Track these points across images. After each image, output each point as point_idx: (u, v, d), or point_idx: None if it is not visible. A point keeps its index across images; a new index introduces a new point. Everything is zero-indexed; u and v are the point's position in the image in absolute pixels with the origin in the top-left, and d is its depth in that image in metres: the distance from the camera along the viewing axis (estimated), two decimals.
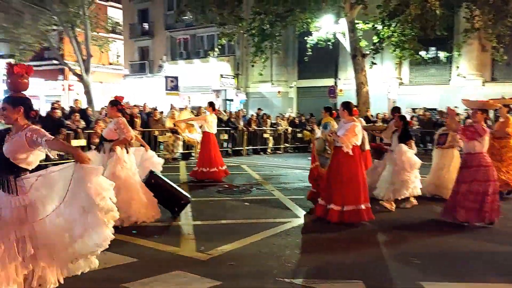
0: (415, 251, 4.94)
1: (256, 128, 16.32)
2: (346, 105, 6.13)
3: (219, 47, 19.14)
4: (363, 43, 17.72)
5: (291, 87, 26.68)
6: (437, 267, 4.48)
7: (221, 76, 26.69)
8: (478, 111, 5.90)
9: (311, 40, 18.68)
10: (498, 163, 7.59)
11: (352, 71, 18.44)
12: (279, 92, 26.11)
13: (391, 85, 20.64)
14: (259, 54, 18.05)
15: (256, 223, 6.17)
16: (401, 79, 22.86)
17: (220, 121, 15.67)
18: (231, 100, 28.30)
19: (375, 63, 17.63)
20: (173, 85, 19.33)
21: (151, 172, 6.27)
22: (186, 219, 6.36)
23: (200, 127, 9.94)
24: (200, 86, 28.51)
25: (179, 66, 29.68)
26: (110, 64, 34.47)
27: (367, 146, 8.09)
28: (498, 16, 14.72)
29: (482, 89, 20.37)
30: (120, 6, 33.77)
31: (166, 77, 19.98)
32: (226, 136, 15.39)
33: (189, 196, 6.52)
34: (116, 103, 6.20)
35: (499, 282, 4.13)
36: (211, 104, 9.85)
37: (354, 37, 17.16)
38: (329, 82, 20.80)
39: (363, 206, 5.90)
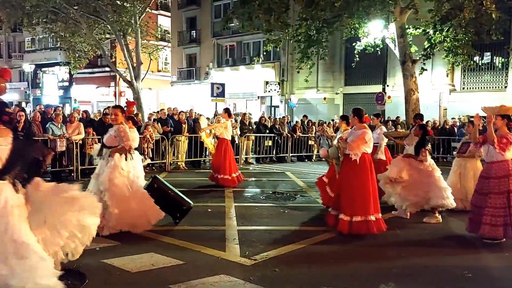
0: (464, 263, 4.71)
1: (301, 134, 16.25)
2: (357, 112, 5.94)
3: (265, 53, 19.27)
4: (413, 49, 17.22)
5: (337, 93, 26.36)
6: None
7: (266, 82, 26.83)
8: (499, 117, 5.58)
9: (358, 46, 18.37)
10: None
11: (401, 78, 17.93)
12: (324, 98, 25.88)
13: (442, 92, 19.89)
14: (305, 60, 17.98)
15: (300, 230, 6.16)
16: (453, 85, 22.00)
17: (264, 128, 15.80)
18: (277, 106, 28.38)
19: (425, 69, 17.07)
20: (218, 92, 19.61)
21: (154, 178, 6.26)
22: (231, 224, 6.44)
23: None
24: (245, 93, 28.82)
25: (225, 72, 30.17)
26: (159, 71, 35.61)
27: (381, 155, 7.85)
28: None
29: None
30: (169, 14, 34.90)
31: (212, 84, 20.29)
32: (270, 143, 15.44)
33: (191, 202, 6.40)
34: (119, 108, 6.14)
35: None
36: (227, 110, 9.92)
37: (403, 42, 16.71)
38: (376, 88, 20.37)
39: (372, 218, 5.70)
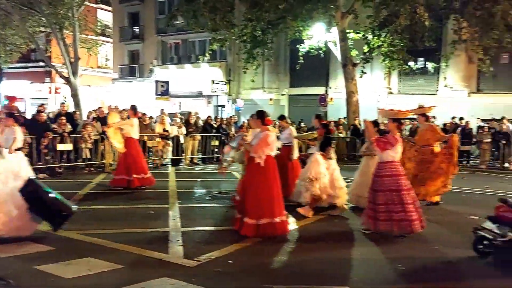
0: (397, 256, 4.98)
1: (248, 134, 16.31)
2: (259, 114, 5.89)
3: (210, 52, 19.18)
4: (353, 53, 17.91)
5: (282, 94, 26.81)
6: (419, 273, 4.53)
7: (213, 82, 26.70)
8: (390, 120, 5.92)
9: (302, 48, 18.81)
10: (421, 173, 7.70)
11: (343, 80, 18.59)
12: (271, 99, 26.21)
13: (380, 94, 20.87)
14: (251, 61, 18.12)
15: None
16: (390, 88, 23.15)
17: (210, 127, 15.68)
18: (223, 106, 28.32)
19: (365, 73, 17.82)
20: (163, 90, 19.20)
21: (30, 180, 5.63)
22: (175, 225, 6.34)
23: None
24: (191, 92, 28.47)
25: (170, 70, 29.64)
26: (99, 67, 34.27)
27: (295, 156, 8.01)
28: (485, 29, 15.00)
29: (468, 100, 20.74)
30: (110, 8, 33.66)
31: (156, 82, 19.85)
32: (217, 143, 15.37)
33: (73, 207, 5.79)
34: None
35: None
36: (133, 108, 9.50)
37: (345, 46, 17.34)
38: (320, 90, 20.95)
39: (277, 220, 5.64)
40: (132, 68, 32.47)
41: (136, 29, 32.19)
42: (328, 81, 20.21)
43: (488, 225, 4.98)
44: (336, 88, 22.97)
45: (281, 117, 9.15)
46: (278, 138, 7.32)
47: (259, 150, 5.66)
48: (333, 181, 6.99)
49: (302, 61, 18.61)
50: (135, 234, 5.83)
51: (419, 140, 8.03)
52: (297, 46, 19.08)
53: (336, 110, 21.72)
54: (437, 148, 8.04)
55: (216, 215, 7.13)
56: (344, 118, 18.93)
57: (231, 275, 4.46)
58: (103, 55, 33.98)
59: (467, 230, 5.48)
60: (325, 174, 6.83)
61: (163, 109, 16.30)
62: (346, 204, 7.33)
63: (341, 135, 17.44)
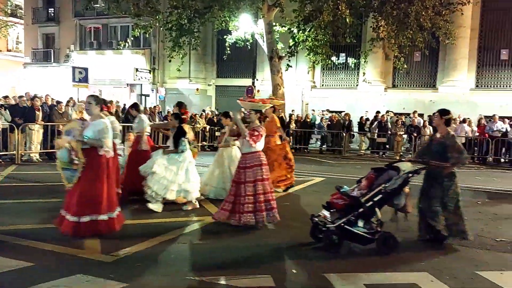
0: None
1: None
2: (94, 98, 5.36)
3: (132, 39, 18.45)
4: (279, 45, 18.24)
5: (209, 85, 26.62)
6: (340, 259, 4.79)
7: (136, 70, 25.77)
8: (252, 111, 6.05)
9: (229, 39, 18.78)
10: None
11: (269, 72, 18.89)
12: (197, 89, 25.91)
13: (305, 87, 21.55)
14: (176, 50, 17.72)
15: (165, 223, 6.07)
16: (314, 82, 24.00)
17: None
18: (147, 95, 27.47)
19: (290, 66, 18.23)
20: (81, 77, 18.07)
21: None
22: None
23: None
24: (112, 79, 27.26)
25: (89, 56, 28.10)
26: (9, 50, 31.54)
27: (144, 146, 7.68)
28: (400, 28, 16.03)
29: (385, 94, 22.19)
30: None
31: (74, 68, 18.65)
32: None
33: None
34: None
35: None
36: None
37: (271, 39, 17.59)
38: (247, 82, 21.14)
39: (104, 217, 5.20)
40: (47, 52, 30.29)
41: (52, 11, 30.00)
42: (255, 73, 20.42)
43: (323, 212, 5.20)
44: (263, 80, 23.32)
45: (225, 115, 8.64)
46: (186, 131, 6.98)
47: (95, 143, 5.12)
48: (184, 175, 6.74)
49: (229, 52, 18.60)
50: (48, 230, 5.47)
51: (265, 130, 8.11)
52: (225, 36, 19.02)
53: None
54: (277, 140, 8.73)
55: (136, 209, 6.90)
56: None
57: (152, 269, 4.37)
58: (14, 38, 31.32)
59: None
60: (161, 170, 6.54)
61: (72, 97, 15.53)
62: (202, 196, 7.33)
63: None
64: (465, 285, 4.14)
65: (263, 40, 17.90)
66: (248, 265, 4.54)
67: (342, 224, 4.96)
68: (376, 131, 17.17)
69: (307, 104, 21.57)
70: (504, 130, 15.40)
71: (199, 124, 17.39)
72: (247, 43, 18.88)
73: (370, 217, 5.07)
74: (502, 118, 16.27)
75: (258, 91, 21.31)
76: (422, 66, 22.40)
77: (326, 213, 5.16)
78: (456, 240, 5.46)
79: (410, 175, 5.07)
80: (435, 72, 22.26)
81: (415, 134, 16.26)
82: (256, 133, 5.89)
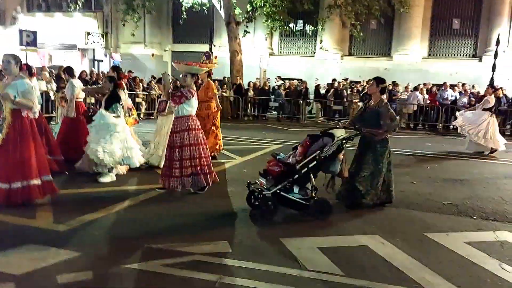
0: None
1: (127, 92, 15.46)
2: (14, 57, 4.99)
3: (83, 0, 17.40)
4: (237, 11, 17.84)
5: (165, 50, 25.80)
6: (293, 226, 4.89)
7: (88, 33, 24.48)
8: (188, 74, 5.81)
9: (186, 2, 18.17)
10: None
11: (227, 39, 18.52)
12: (153, 55, 25.06)
13: (263, 54, 21.35)
14: (130, 13, 16.96)
15: (121, 191, 5.95)
16: (272, 49, 23.81)
17: (86, 83, 14.46)
18: (100, 60, 26.29)
19: (248, 32, 17.97)
20: (29, 40, 16.92)
21: None
22: None
23: None
24: (63, 44, 25.77)
25: (37, 19, 26.33)
26: None
27: (72, 113, 7.46)
28: None
29: (342, 62, 22.41)
30: None
31: (21, 31, 17.42)
32: (92, 100, 14.26)
33: None
34: None
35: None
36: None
37: (228, 3, 17.15)
38: (204, 48, 20.60)
39: (36, 181, 4.98)
40: None
41: None
42: (212, 39, 19.95)
43: (260, 179, 5.19)
44: (221, 47, 22.86)
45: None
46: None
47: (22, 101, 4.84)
48: (122, 143, 6.53)
49: (185, 16, 18.00)
50: None
51: (200, 95, 7.48)
52: (181, 0, 18.34)
53: (221, 68, 21.64)
54: (213, 104, 8.44)
55: (89, 178, 6.68)
56: (224, 77, 19.05)
57: (106, 237, 4.27)
58: None
59: None
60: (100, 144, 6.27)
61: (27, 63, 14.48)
62: (145, 163, 7.20)
63: (225, 94, 17.56)
64: (414, 246, 4.34)
65: (220, 5, 17.43)
66: (204, 231, 4.54)
67: (278, 191, 4.98)
68: (332, 99, 17.40)
69: (265, 71, 21.43)
70: (453, 98, 16.03)
71: (155, 91, 16.91)
72: (204, 8, 18.32)
73: (305, 184, 5.10)
74: (452, 86, 16.90)
75: (216, 57, 20.85)
76: (378, 34, 22.69)
77: (262, 180, 5.15)
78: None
79: (344, 141, 5.11)
80: (390, 41, 22.65)
81: None
82: (179, 94, 5.68)
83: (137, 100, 15.98)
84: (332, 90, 17.55)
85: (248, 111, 17.85)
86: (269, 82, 19.40)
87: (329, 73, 20.97)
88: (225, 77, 19.27)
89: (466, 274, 3.73)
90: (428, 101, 16.35)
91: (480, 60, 20.61)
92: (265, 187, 5.09)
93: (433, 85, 17.39)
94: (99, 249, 3.96)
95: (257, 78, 20.22)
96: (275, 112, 18.73)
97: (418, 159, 9.75)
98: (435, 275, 3.66)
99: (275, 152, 5.41)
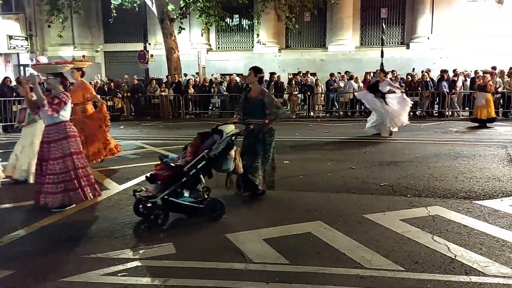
0: None
1: None
2: None
3: (1, 2, 16.33)
4: (170, 7, 17.54)
5: (97, 51, 24.83)
6: (239, 220, 4.93)
7: (10, 37, 22.96)
8: (49, 76, 5.25)
9: (115, 0, 17.56)
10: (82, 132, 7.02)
11: (162, 36, 18.19)
12: (83, 56, 23.99)
13: (200, 51, 21.17)
14: (55, 13, 16.12)
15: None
16: (209, 45, 23.66)
17: (10, 90, 13.67)
18: (27, 65, 24.78)
19: (183, 28, 17.73)
20: None
21: None
22: None
23: None
24: None
25: None
26: None
27: None
28: None
29: (280, 55, 22.75)
30: None
31: None
32: (19, 107, 13.44)
33: None
34: None
35: None
36: None
37: (160, 0, 16.81)
38: (139, 46, 20.09)
39: None
40: None
41: None
42: (146, 37, 19.48)
43: (147, 186, 4.87)
44: (156, 44, 22.40)
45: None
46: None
47: None
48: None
49: (115, 14, 17.43)
50: None
51: (73, 98, 6.75)
52: None
53: (158, 67, 21.28)
54: (89, 107, 7.96)
55: (22, 189, 6.32)
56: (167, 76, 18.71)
57: (41, 252, 4.07)
58: None
59: None
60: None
61: None
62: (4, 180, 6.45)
63: (164, 94, 17.24)
64: (354, 228, 4.53)
65: (152, 1, 17.06)
66: (146, 235, 4.46)
67: (166, 197, 4.60)
68: (273, 92, 17.63)
69: (204, 67, 21.28)
70: None
71: None
72: (135, 5, 17.84)
73: (195, 186, 4.88)
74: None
75: (152, 55, 20.44)
76: (312, 26, 23.24)
77: (149, 186, 4.78)
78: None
79: (234, 137, 4.95)
80: (324, 32, 23.28)
81: (309, 93, 17.05)
82: (57, 101, 5.09)
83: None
84: (272, 83, 17.77)
85: (190, 109, 17.66)
86: (213, 78, 19.29)
87: (267, 66, 21.19)
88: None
89: (402, 249, 3.96)
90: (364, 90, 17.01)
91: (408, 47, 21.75)
92: (151, 194, 4.67)
93: (366, 73, 18.05)
94: (34, 265, 3.76)
95: (196, 73, 20.03)
96: (217, 109, 18.67)
97: (356, 144, 10.16)
98: (373, 253, 3.86)
99: (162, 154, 5.11)
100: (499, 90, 15.17)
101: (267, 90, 5.65)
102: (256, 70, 5.61)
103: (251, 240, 4.24)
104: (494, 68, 15.33)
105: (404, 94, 11.66)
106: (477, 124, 12.79)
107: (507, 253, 3.85)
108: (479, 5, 20.49)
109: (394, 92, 10.92)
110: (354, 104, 17.01)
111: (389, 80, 11.50)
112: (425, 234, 4.30)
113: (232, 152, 4.95)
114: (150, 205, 4.60)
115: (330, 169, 7.39)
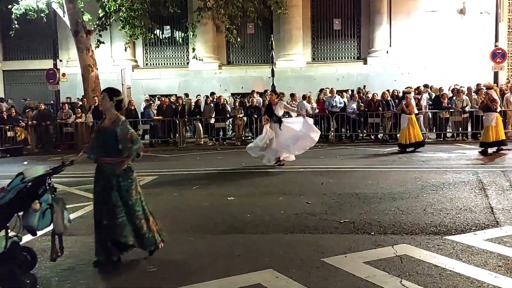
0: None
1: None
2: None
3: None
4: (86, 17, 17.32)
5: None
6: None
7: None
8: None
9: (17, 9, 17.15)
10: None
11: (76, 51, 17.83)
12: None
13: (124, 68, 20.91)
14: None
15: None
16: (136, 61, 23.45)
17: None
18: None
19: (102, 42, 17.50)
20: None
21: None
22: None
23: None
24: None
25: None
26: None
27: None
28: None
29: (220, 72, 22.94)
30: None
31: None
32: None
33: None
34: None
35: None
36: None
37: (73, 8, 16.59)
38: (47, 64, 19.59)
39: None
40: None
41: None
42: (57, 53, 19.04)
43: None
44: (69, 61, 21.91)
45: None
46: None
47: None
48: None
49: (17, 26, 16.99)
50: None
51: None
52: (10, 6, 17.27)
53: (72, 88, 20.77)
54: None
55: None
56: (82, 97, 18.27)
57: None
58: None
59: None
60: None
61: None
62: None
63: (80, 120, 16.75)
64: (311, 275, 4.53)
65: (64, 10, 16.76)
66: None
67: None
68: (213, 115, 17.66)
69: (129, 87, 20.95)
70: (342, 105, 17.39)
71: None
72: (42, 14, 17.46)
73: None
74: (340, 92, 18.34)
75: (64, 74, 19.95)
76: (257, 39, 23.73)
77: None
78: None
79: (30, 184, 4.36)
80: (271, 46, 23.84)
81: (256, 116, 17.20)
82: None
83: None
84: (212, 106, 17.81)
85: None
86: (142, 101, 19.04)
87: (206, 85, 21.32)
88: (78, 98, 18.51)
89: None
90: (317, 110, 17.49)
91: (365, 62, 22.76)
92: None
93: (320, 90, 18.59)
94: None
95: None
96: (147, 137, 18.36)
97: (311, 174, 10.33)
98: None
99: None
100: (467, 109, 16.19)
101: (123, 118, 5.07)
102: (112, 92, 5.11)
103: None
104: (419, 88, 16.99)
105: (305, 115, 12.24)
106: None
107: None
108: (439, 16, 21.94)
109: (290, 115, 11.58)
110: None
111: (283, 102, 12.17)
112: (392, 279, 4.38)
113: (37, 205, 4.34)
114: None
115: (283, 205, 7.42)
